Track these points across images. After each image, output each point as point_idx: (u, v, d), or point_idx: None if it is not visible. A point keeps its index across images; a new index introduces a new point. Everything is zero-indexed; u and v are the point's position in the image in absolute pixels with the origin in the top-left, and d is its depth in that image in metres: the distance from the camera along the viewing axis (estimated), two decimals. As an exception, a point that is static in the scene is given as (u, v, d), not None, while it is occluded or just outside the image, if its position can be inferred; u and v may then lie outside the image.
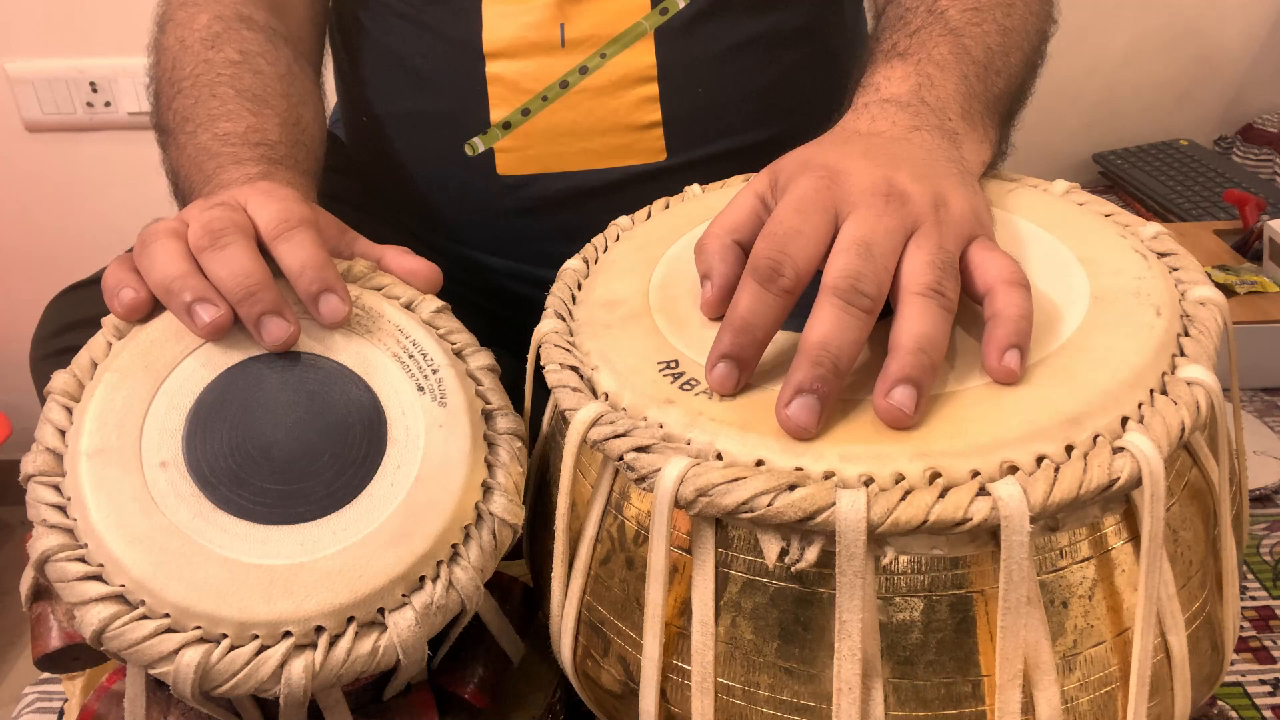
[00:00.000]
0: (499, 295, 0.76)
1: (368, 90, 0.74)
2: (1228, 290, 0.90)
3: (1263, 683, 0.61)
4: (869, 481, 0.34)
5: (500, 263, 0.75)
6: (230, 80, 0.58)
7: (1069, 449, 0.34)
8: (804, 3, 0.70)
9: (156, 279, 0.43)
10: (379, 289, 0.48)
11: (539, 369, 0.43)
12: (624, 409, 0.39)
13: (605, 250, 0.50)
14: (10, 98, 1.41)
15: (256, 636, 0.37)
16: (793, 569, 0.35)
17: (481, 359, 0.47)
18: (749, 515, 0.34)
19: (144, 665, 0.37)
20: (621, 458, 0.37)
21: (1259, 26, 1.34)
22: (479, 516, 0.42)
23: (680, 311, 0.43)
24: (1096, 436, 0.34)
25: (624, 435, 0.37)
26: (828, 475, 0.34)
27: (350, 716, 0.41)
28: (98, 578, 0.38)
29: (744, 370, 0.38)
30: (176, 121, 0.58)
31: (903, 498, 0.33)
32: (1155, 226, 0.44)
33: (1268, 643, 0.64)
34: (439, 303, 0.48)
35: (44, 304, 0.68)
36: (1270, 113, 1.34)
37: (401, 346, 0.45)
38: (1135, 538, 0.36)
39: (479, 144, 0.69)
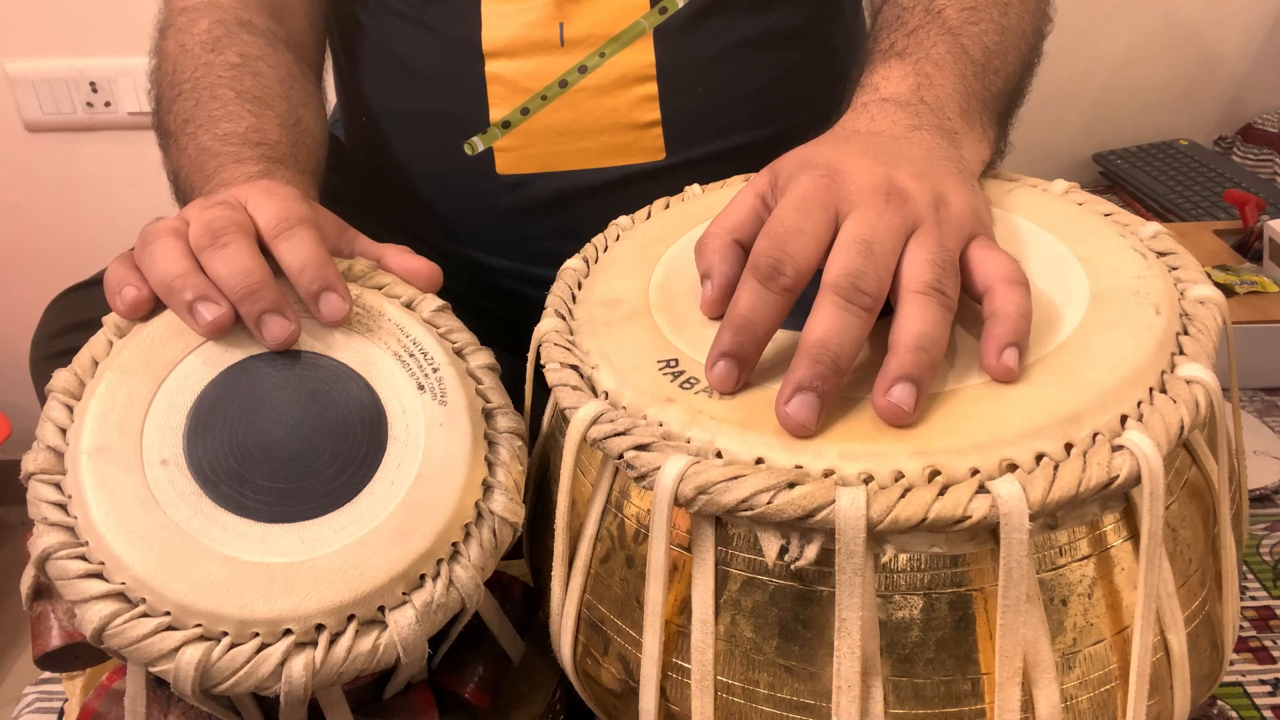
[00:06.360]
0: (499, 295, 0.76)
1: (367, 90, 0.74)
2: (1228, 290, 0.90)
3: (1263, 683, 0.61)
4: (868, 479, 0.34)
5: (500, 262, 0.75)
6: (230, 82, 0.59)
7: (1068, 447, 0.34)
8: (803, 2, 0.70)
9: (158, 277, 0.43)
10: (379, 288, 0.48)
11: (539, 368, 0.43)
12: (624, 407, 0.39)
13: (605, 250, 0.50)
14: (10, 98, 1.41)
15: (257, 634, 0.38)
16: (792, 567, 0.35)
17: (482, 358, 0.47)
18: (749, 513, 0.34)
19: (144, 663, 0.37)
20: (621, 456, 0.37)
21: (1259, 26, 1.34)
22: (479, 515, 0.42)
23: (680, 310, 0.43)
24: (1096, 434, 0.34)
25: (624, 433, 0.37)
26: (827, 473, 0.34)
27: (350, 715, 0.41)
28: (98, 575, 0.38)
29: (744, 368, 0.38)
30: (177, 124, 0.58)
31: (902, 495, 0.33)
32: (1154, 226, 0.45)
33: (1268, 643, 0.64)
34: (439, 301, 0.48)
35: (44, 304, 0.68)
36: (1270, 113, 1.34)
37: (402, 345, 0.45)
38: (1135, 536, 0.36)
39: (478, 143, 0.69)
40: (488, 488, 0.43)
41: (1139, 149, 1.32)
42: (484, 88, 0.68)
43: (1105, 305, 0.40)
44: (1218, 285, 0.51)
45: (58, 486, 0.40)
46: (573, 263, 0.49)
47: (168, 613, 0.37)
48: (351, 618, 0.38)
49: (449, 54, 0.68)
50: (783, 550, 0.35)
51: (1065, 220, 0.46)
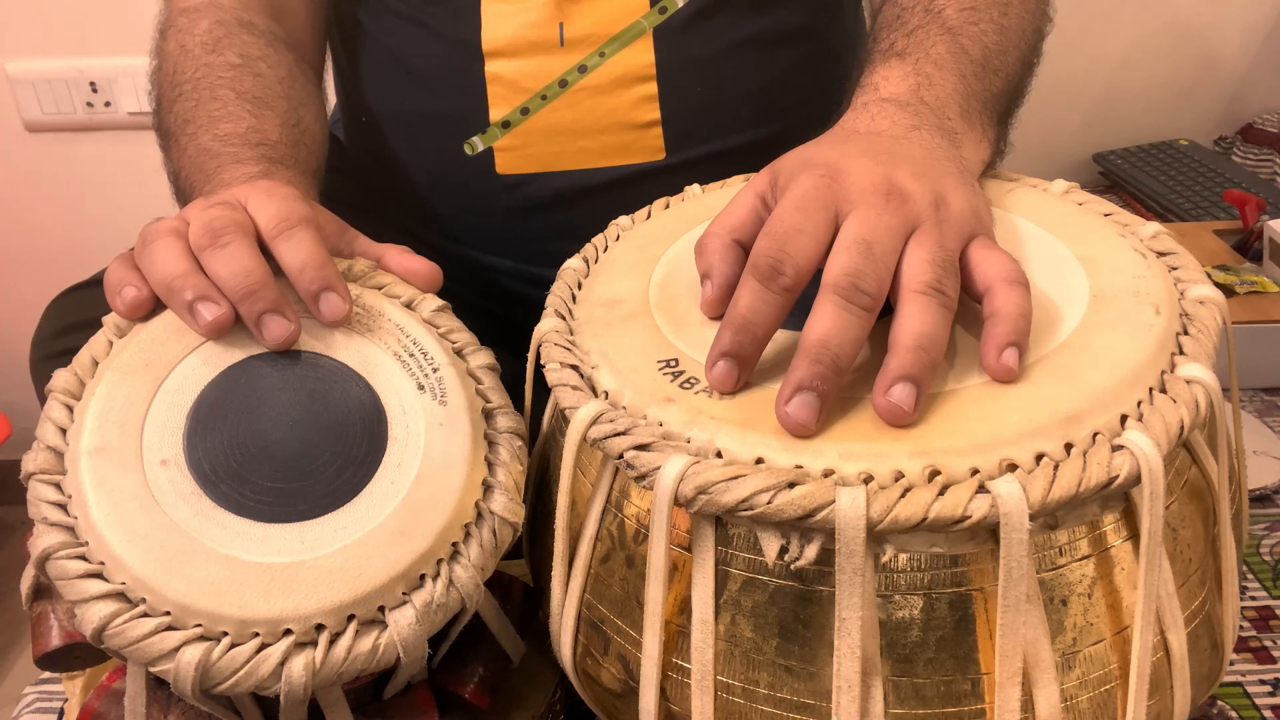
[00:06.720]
0: (499, 295, 0.76)
1: (367, 90, 0.74)
2: (1228, 290, 0.90)
3: (1263, 683, 0.61)
4: (868, 479, 0.34)
5: (500, 262, 0.75)
6: (230, 83, 0.59)
7: (1068, 447, 0.34)
8: (803, 2, 0.70)
9: (158, 277, 0.43)
10: (379, 288, 0.48)
11: (539, 368, 0.43)
12: (624, 407, 0.39)
13: (605, 250, 0.50)
14: (10, 98, 1.41)
15: (257, 634, 0.38)
16: (792, 567, 0.35)
17: (482, 358, 0.47)
18: (749, 513, 0.34)
19: (144, 663, 0.37)
20: (621, 456, 0.37)
21: (1259, 26, 1.34)
22: (479, 515, 0.42)
23: (680, 310, 0.43)
24: (1096, 434, 0.34)
25: (624, 433, 0.37)
26: (827, 473, 0.34)
27: (350, 715, 0.41)
28: (98, 575, 0.38)
29: (744, 368, 0.38)
30: (177, 124, 0.58)
31: (902, 495, 0.33)
32: (1154, 226, 0.45)
33: (1268, 643, 0.64)
34: (439, 301, 0.48)
35: (44, 304, 0.68)
36: (1270, 113, 1.34)
37: (402, 345, 0.45)
38: (1134, 536, 0.36)
39: (478, 143, 0.69)
40: (488, 488, 0.43)
41: (1139, 149, 1.32)
42: (484, 87, 0.68)
43: (1105, 305, 0.40)
44: (1218, 285, 0.51)
45: (58, 486, 0.40)
46: (573, 263, 0.49)
47: (168, 613, 0.37)
48: (351, 618, 0.38)
49: (449, 54, 0.69)
50: (783, 550, 0.35)
51: (1065, 220, 0.46)
